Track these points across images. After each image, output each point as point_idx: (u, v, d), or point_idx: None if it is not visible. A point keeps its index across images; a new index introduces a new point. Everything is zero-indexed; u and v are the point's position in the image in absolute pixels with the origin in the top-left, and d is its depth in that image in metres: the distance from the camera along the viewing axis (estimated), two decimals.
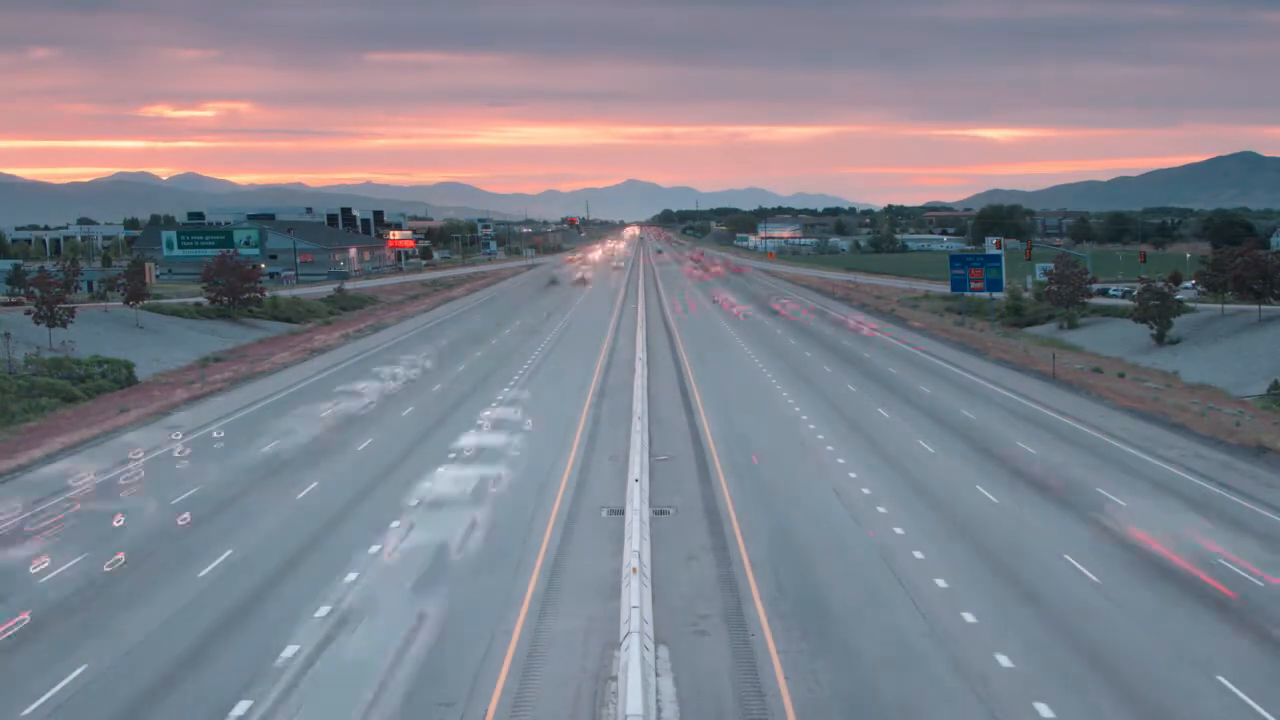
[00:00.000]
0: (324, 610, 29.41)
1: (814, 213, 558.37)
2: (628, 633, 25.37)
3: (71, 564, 33.76)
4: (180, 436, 54.09)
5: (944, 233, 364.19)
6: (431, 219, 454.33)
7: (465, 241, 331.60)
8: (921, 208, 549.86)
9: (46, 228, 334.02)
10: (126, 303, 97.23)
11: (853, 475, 44.78)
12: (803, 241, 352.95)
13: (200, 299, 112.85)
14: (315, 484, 43.92)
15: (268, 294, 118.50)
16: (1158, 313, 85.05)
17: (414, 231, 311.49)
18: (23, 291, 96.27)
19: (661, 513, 38.91)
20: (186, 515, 39.25)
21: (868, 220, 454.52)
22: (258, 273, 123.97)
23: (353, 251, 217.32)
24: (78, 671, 25.75)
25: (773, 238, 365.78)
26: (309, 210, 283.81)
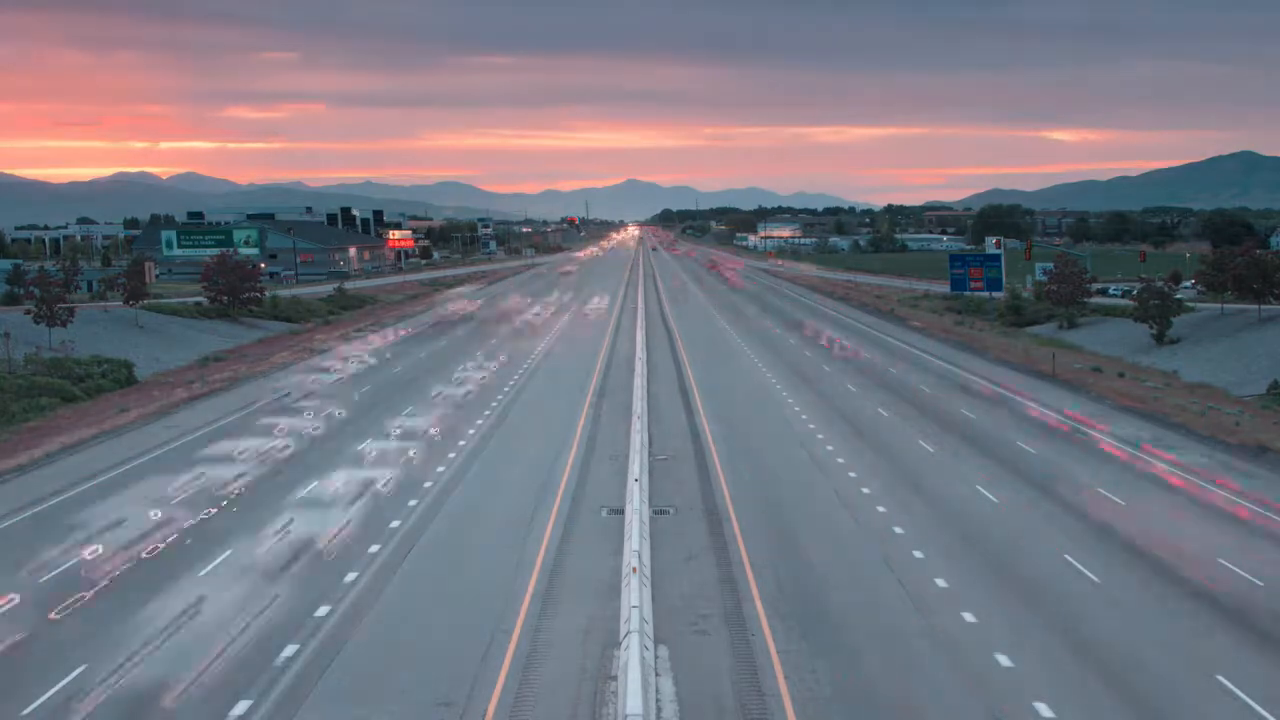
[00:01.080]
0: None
1: (814, 213, 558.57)
2: (627, 632, 25.37)
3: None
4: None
5: (944, 232, 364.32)
6: (431, 219, 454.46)
7: (465, 241, 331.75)
8: (921, 207, 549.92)
9: (46, 227, 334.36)
10: (126, 302, 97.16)
11: (852, 475, 44.77)
12: (803, 241, 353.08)
13: (200, 299, 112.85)
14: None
15: (268, 294, 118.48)
16: (1157, 312, 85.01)
17: (414, 231, 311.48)
18: (22, 290, 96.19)
19: (661, 512, 38.90)
20: None
21: (868, 220, 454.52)
22: (258, 272, 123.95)
23: (352, 251, 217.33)
24: None
25: (772, 237, 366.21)
26: (309, 210, 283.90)
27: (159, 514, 39.65)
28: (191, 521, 38.74)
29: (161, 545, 35.86)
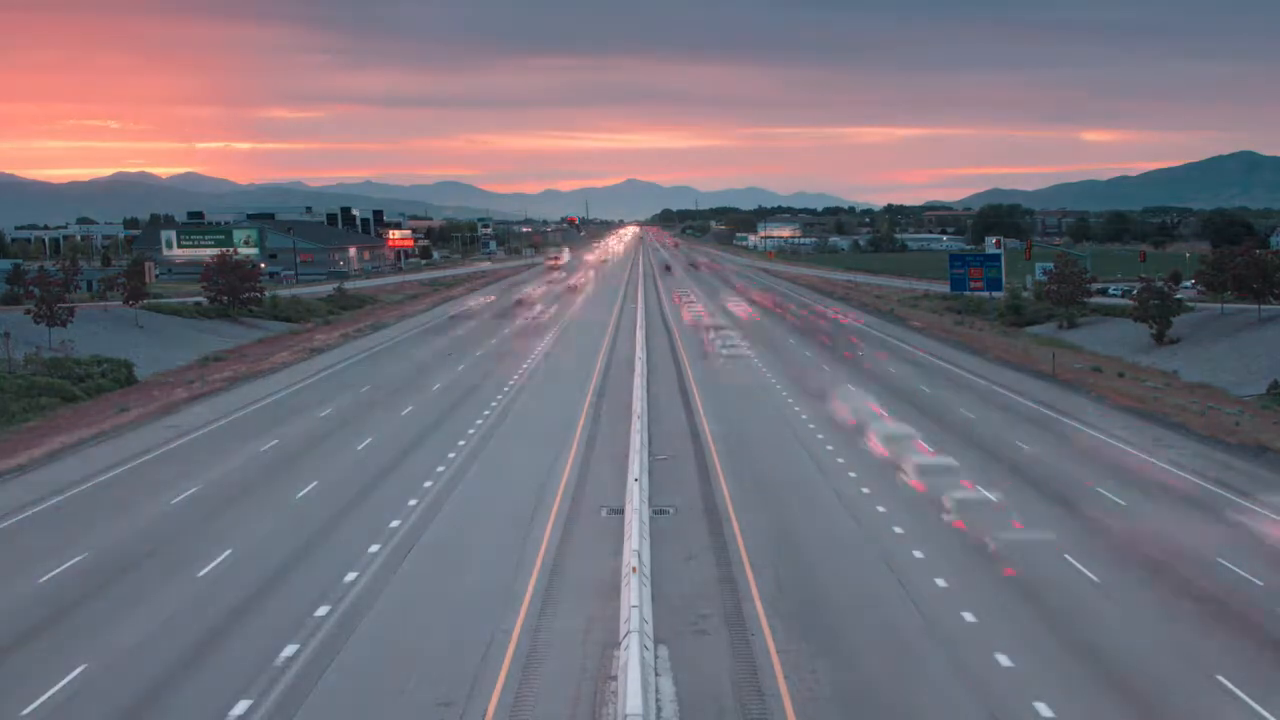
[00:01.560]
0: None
1: (814, 212, 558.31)
2: (627, 632, 25.35)
3: None
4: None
5: (944, 232, 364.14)
6: (431, 219, 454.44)
7: (465, 241, 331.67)
8: (921, 207, 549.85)
9: (46, 227, 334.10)
10: (126, 302, 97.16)
11: (852, 475, 44.75)
12: (802, 241, 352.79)
13: (200, 299, 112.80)
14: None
15: (267, 294, 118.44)
16: (1157, 312, 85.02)
17: (414, 231, 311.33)
18: (22, 290, 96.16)
19: (661, 512, 38.89)
20: None
21: (867, 220, 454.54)
22: (257, 272, 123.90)
23: (352, 251, 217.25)
24: None
25: (772, 237, 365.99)
26: (309, 210, 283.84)
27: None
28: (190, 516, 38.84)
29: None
